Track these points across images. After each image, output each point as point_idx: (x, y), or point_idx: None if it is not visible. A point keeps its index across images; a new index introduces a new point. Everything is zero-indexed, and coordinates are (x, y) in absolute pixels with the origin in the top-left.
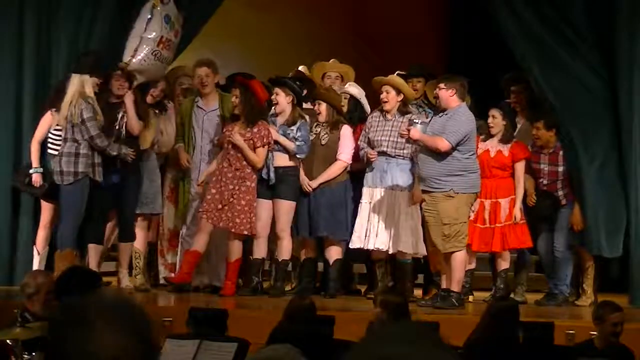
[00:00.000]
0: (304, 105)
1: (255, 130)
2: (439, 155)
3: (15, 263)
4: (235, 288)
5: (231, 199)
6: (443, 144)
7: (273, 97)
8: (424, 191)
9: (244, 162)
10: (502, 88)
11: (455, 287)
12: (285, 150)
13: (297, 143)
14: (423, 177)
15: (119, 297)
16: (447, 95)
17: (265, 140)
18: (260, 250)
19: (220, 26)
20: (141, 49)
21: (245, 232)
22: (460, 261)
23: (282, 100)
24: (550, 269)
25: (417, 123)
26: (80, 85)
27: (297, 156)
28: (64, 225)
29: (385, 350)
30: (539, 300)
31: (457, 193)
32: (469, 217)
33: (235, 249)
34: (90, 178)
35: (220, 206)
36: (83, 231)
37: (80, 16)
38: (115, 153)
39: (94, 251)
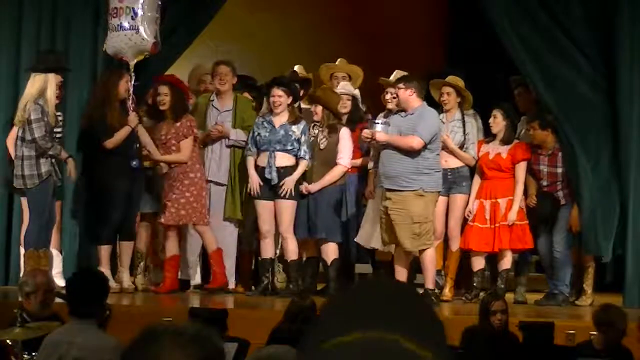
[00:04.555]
0: (302, 106)
1: (178, 124)
2: (409, 153)
3: (10, 263)
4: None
5: (174, 195)
6: (418, 142)
7: (275, 98)
8: (389, 190)
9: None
10: (510, 88)
11: (430, 285)
12: (289, 153)
13: (307, 157)
14: (390, 176)
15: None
16: (407, 95)
17: (187, 132)
18: (267, 250)
19: (221, 26)
20: (109, 33)
21: (194, 223)
22: (431, 259)
23: (284, 101)
24: (550, 269)
25: (378, 123)
26: (42, 84)
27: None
28: (29, 226)
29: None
30: (539, 300)
31: (426, 192)
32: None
33: (208, 240)
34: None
35: (169, 205)
36: (118, 229)
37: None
38: (57, 154)
39: (127, 249)
